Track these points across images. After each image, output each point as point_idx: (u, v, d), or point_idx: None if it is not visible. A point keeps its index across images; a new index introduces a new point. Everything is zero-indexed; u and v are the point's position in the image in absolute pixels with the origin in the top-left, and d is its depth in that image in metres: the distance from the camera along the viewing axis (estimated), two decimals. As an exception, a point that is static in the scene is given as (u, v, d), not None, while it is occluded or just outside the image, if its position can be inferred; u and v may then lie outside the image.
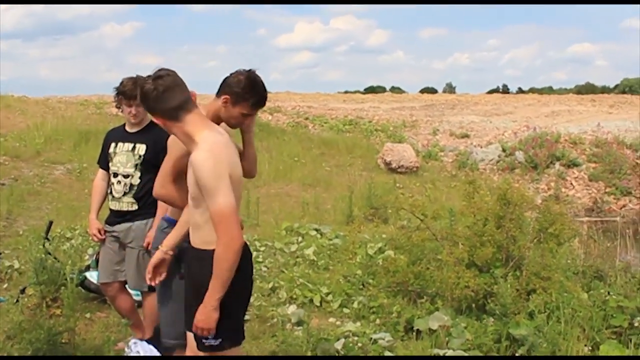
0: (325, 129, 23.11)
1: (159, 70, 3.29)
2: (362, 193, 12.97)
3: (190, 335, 3.40)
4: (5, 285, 6.94)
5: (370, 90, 62.65)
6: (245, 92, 3.54)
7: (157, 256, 3.66)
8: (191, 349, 3.43)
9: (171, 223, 3.74)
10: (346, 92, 48.06)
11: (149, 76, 3.29)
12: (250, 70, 3.60)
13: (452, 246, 6.33)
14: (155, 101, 3.24)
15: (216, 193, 3.08)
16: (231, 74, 3.61)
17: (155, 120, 3.34)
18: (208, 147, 3.16)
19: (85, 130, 18.13)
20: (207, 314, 3.14)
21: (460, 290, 5.77)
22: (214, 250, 3.13)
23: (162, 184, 3.65)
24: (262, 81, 3.62)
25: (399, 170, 17.73)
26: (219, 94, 3.61)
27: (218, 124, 3.51)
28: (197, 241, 3.31)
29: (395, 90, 63.27)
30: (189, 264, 3.40)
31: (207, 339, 3.23)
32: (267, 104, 3.88)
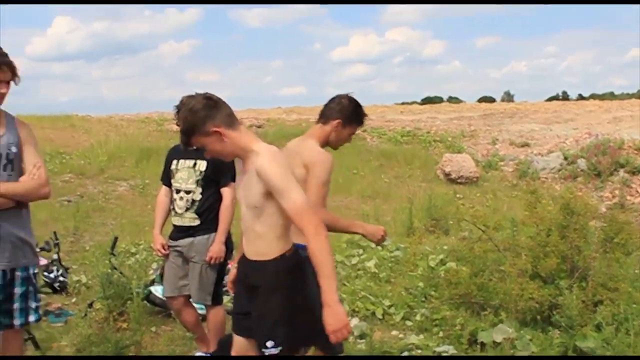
0: (384, 141, 23.04)
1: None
2: (422, 204, 12.86)
3: (238, 341, 3.52)
4: (73, 300, 7.12)
5: (427, 100, 62.34)
6: (353, 114, 4.09)
7: (232, 272, 3.75)
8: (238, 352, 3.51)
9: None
10: (403, 103, 48.02)
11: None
12: (348, 94, 4.13)
13: (515, 257, 6.23)
14: (210, 109, 3.24)
15: (289, 190, 3.13)
16: (332, 100, 4.12)
17: (201, 141, 3.28)
18: (270, 152, 3.23)
19: (146, 147, 18.48)
20: (334, 313, 3.04)
21: (524, 302, 5.67)
22: (266, 260, 3.27)
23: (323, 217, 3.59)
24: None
25: (458, 180, 17.57)
26: (325, 119, 4.09)
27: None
28: (251, 253, 3.36)
29: (453, 100, 62.77)
30: (246, 275, 3.44)
31: (265, 347, 3.25)
32: None
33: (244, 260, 3.44)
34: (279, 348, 3.26)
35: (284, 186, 3.13)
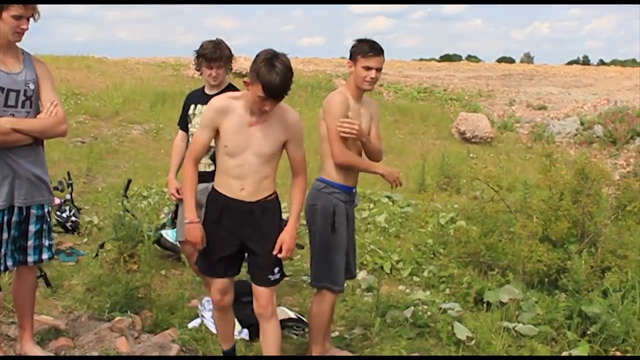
0: (400, 97, 22.88)
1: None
2: (435, 162, 12.84)
3: (221, 283, 3.94)
4: (85, 240, 7.19)
5: (446, 58, 61.61)
6: (354, 48, 4.21)
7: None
8: (264, 299, 3.84)
9: (328, 184, 4.21)
10: (421, 59, 47.39)
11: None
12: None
13: (526, 219, 6.24)
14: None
15: (303, 142, 3.84)
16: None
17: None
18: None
19: (162, 91, 18.42)
20: (293, 238, 3.78)
21: (532, 264, 5.69)
22: (269, 197, 3.78)
23: (342, 152, 4.12)
24: None
25: (472, 140, 17.50)
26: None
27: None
28: (253, 194, 3.73)
29: (472, 59, 62.14)
30: (259, 216, 3.78)
31: (273, 273, 3.80)
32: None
33: (232, 203, 3.75)
34: (281, 273, 3.86)
35: (303, 138, 3.80)
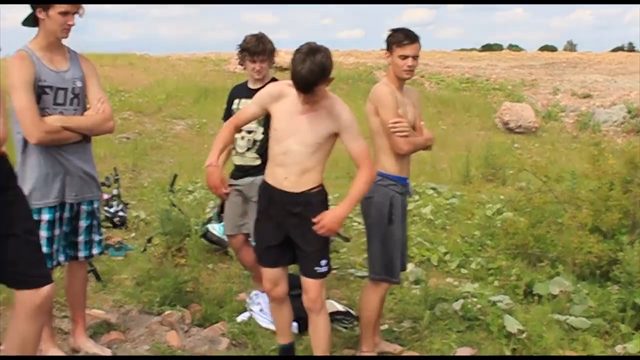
0: (442, 87, 22.67)
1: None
2: (479, 153, 12.70)
3: (272, 273, 3.96)
4: (132, 235, 7.28)
5: (487, 48, 60.90)
6: (389, 38, 4.16)
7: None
8: (313, 292, 3.84)
9: (384, 176, 4.15)
10: (462, 49, 46.94)
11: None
12: None
13: (575, 210, 6.14)
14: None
15: (361, 134, 3.70)
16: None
17: (321, 85, 3.55)
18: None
19: (204, 86, 18.55)
20: (340, 217, 3.67)
21: (582, 255, 5.60)
22: (314, 190, 3.74)
23: (405, 141, 4.11)
24: None
25: (517, 130, 17.27)
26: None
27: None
28: (297, 185, 3.72)
29: (514, 48, 61.26)
30: (288, 204, 3.76)
31: (320, 266, 3.78)
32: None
33: (276, 194, 3.78)
34: (329, 265, 3.85)
35: (357, 129, 3.67)
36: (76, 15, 3.78)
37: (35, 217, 3.60)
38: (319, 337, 3.92)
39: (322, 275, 3.84)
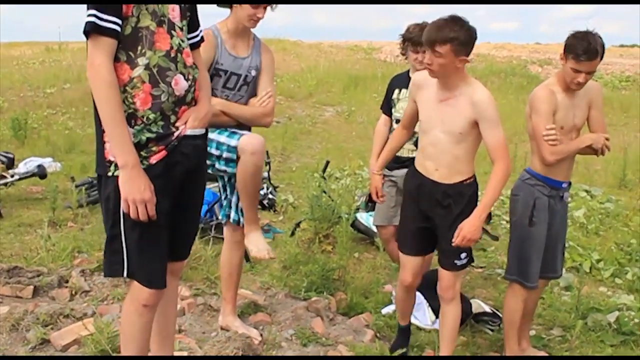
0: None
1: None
2: (637, 156, 11.99)
3: (412, 261, 3.93)
4: (280, 218, 7.38)
5: (651, 45, 57.52)
6: (568, 45, 3.81)
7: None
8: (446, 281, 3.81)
9: (532, 175, 4.03)
10: (622, 45, 44.55)
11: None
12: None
13: None
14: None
15: (499, 125, 3.52)
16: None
17: (441, 50, 3.48)
18: (484, 87, 3.65)
19: (354, 74, 18.64)
20: (477, 226, 3.54)
21: None
22: (463, 181, 3.66)
23: (551, 151, 3.88)
24: None
25: (681, 134, 16.19)
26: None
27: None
28: (445, 176, 3.66)
29: (681, 46, 57.56)
30: (453, 200, 3.69)
31: (459, 259, 3.71)
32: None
33: (427, 183, 3.72)
34: (469, 258, 3.78)
35: (497, 119, 3.51)
36: (268, 8, 3.81)
37: None
38: (446, 327, 3.87)
39: (461, 267, 3.80)
